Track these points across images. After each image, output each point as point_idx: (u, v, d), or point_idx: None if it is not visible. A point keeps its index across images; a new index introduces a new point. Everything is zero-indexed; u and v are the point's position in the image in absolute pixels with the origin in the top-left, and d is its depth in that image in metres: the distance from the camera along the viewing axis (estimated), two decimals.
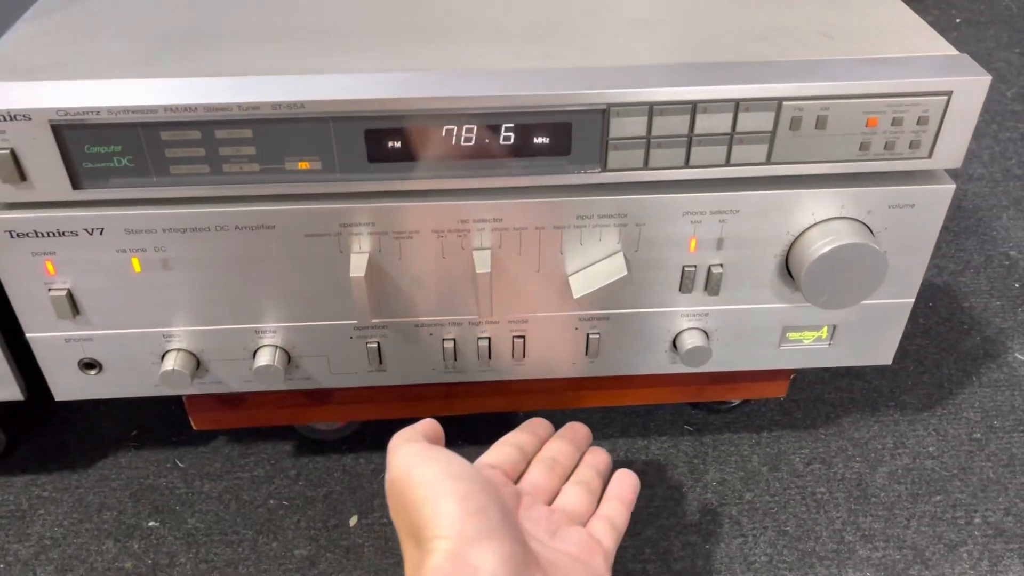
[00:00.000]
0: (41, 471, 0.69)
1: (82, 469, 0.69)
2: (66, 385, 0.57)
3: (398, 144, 0.49)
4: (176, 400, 0.75)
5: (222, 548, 0.64)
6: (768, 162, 0.50)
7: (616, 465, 0.69)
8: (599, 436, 0.72)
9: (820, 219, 0.53)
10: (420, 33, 0.53)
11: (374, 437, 0.72)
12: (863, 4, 0.56)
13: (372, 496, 0.67)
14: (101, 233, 0.50)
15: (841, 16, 0.55)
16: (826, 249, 0.51)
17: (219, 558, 0.63)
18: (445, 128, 0.48)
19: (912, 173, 0.52)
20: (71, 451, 0.71)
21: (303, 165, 0.49)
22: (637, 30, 0.53)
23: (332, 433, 0.71)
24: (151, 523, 0.65)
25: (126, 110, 0.46)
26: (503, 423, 0.73)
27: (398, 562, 0.62)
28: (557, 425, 0.72)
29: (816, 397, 0.75)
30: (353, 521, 0.65)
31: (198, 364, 0.57)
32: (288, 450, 0.71)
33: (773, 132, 0.49)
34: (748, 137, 0.49)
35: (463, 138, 0.49)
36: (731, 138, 0.49)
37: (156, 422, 0.74)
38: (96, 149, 0.48)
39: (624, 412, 0.74)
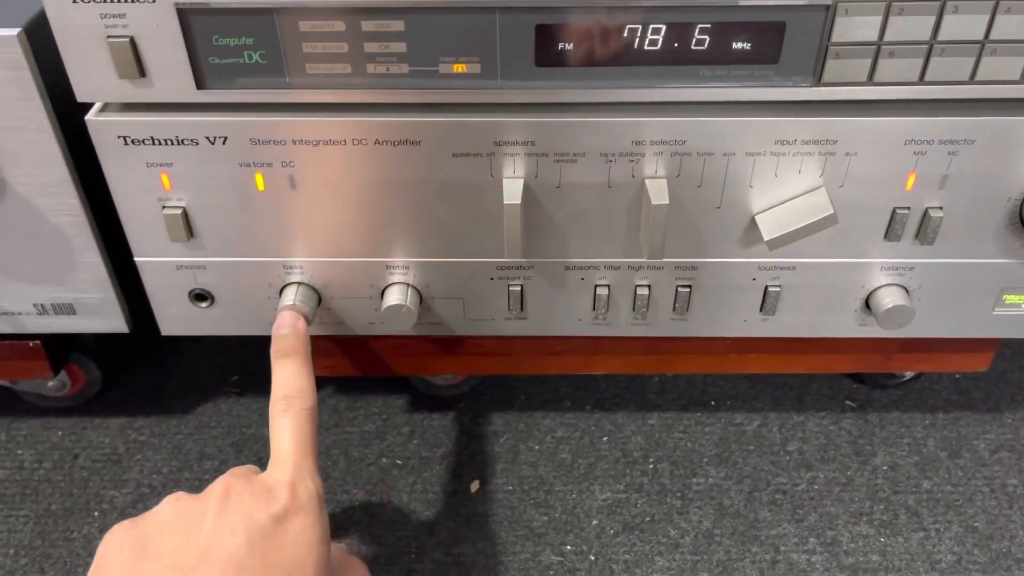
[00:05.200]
0: (138, 414, 0.64)
1: (180, 414, 0.64)
2: (174, 318, 0.52)
3: (571, 45, 0.41)
4: None
5: (331, 509, 0.58)
6: (1023, 80, 0.41)
7: (771, 445, 0.61)
8: (746, 408, 0.64)
9: None
10: None
11: (493, 396, 0.65)
12: None
13: (494, 460, 0.61)
14: (224, 143, 0.44)
15: None
16: None
17: (329, 519, 0.57)
18: (628, 27, 0.41)
19: None
20: (168, 395, 0.66)
21: (459, 68, 0.42)
22: None
23: (449, 388, 0.64)
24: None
25: None
26: (637, 387, 0.66)
27: (526, 535, 0.56)
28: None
29: (998, 376, 0.66)
30: (475, 487, 0.59)
31: (319, 301, 0.51)
32: (401, 405, 0.65)
33: None
34: (1004, 47, 0.40)
35: (648, 40, 0.41)
36: (982, 47, 0.40)
37: (257, 367, 0.68)
38: (225, 41, 0.41)
39: (775, 383, 0.66)
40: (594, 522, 0.56)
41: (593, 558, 0.54)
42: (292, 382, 0.44)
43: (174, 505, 0.39)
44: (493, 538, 0.56)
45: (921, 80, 0.41)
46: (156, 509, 0.40)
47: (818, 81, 0.42)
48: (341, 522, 0.57)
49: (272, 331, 0.47)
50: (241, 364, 0.68)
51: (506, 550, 0.55)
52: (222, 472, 0.59)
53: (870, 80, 0.41)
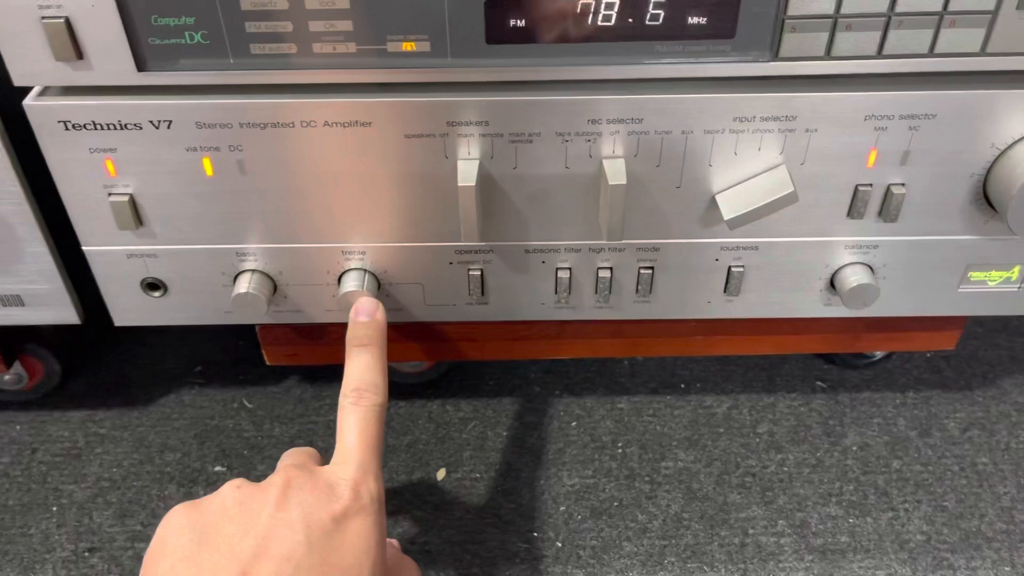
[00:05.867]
0: (99, 406, 0.63)
1: (143, 406, 0.63)
2: (127, 309, 0.50)
3: (523, 21, 0.40)
4: (244, 334, 0.68)
5: None
6: (982, 52, 0.40)
7: (741, 427, 0.61)
8: (716, 390, 0.64)
9: None
10: None
11: (461, 383, 0.65)
12: None
13: (461, 448, 0.60)
14: (169, 127, 0.43)
15: None
16: None
17: None
18: (581, 2, 0.39)
19: None
20: (131, 386, 0.65)
21: (408, 46, 0.41)
22: None
23: (417, 376, 0.64)
24: (217, 468, 0.59)
25: None
26: (607, 372, 0.65)
27: (493, 522, 0.55)
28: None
29: (969, 355, 0.66)
30: (441, 474, 0.58)
31: (275, 288, 0.50)
32: None
33: (996, 11, 0.39)
34: (963, 18, 0.39)
35: (601, 15, 0.40)
36: (940, 19, 0.39)
37: (222, 357, 0.67)
38: (165, 21, 0.40)
39: (746, 364, 0.65)
40: (562, 508, 0.56)
41: (560, 544, 0.54)
42: (365, 375, 0.43)
43: (234, 492, 0.38)
44: (459, 526, 0.55)
45: (880, 54, 0.40)
46: (216, 494, 0.39)
47: (775, 56, 0.41)
48: None
49: (349, 317, 0.46)
50: (206, 353, 0.67)
51: (472, 538, 0.54)
52: (184, 464, 0.59)
53: (828, 54, 0.40)
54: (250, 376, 0.65)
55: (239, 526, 0.37)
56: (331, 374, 0.65)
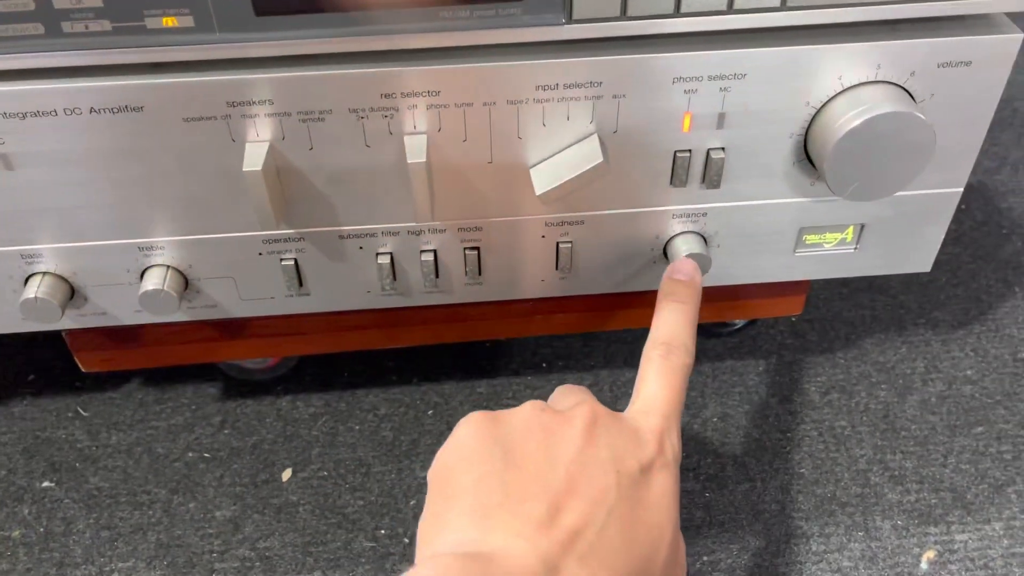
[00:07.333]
0: None
1: None
2: None
3: None
4: None
5: (129, 511, 0.53)
6: (784, 6, 0.38)
7: (601, 403, 0.59)
8: (578, 367, 0.62)
9: (849, 84, 0.41)
10: None
11: (314, 376, 0.61)
12: None
13: (309, 445, 0.57)
14: None
15: None
16: (858, 122, 0.40)
17: (124, 523, 0.53)
18: None
19: (968, 20, 0.41)
20: None
21: (169, 21, 0.37)
22: None
23: (264, 372, 0.60)
24: (45, 483, 0.55)
25: None
26: (467, 355, 0.63)
27: (338, 523, 0.52)
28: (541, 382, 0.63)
29: (833, 316, 0.65)
30: (287, 475, 0.55)
31: (72, 291, 0.46)
32: (212, 393, 0.60)
33: None
34: None
35: None
36: None
37: (57, 364, 0.63)
38: None
39: (607, 339, 0.63)
40: (412, 502, 0.53)
41: (408, 541, 0.51)
42: (679, 333, 0.40)
43: (538, 415, 0.35)
44: (302, 529, 0.52)
45: (677, 12, 0.38)
46: (515, 412, 0.36)
47: (570, 18, 0.38)
48: (138, 525, 0.53)
49: (665, 273, 0.44)
50: (40, 361, 0.63)
51: (315, 540, 0.52)
52: (9, 481, 0.55)
53: (624, 14, 0.38)
54: (87, 383, 0.61)
55: (546, 453, 0.34)
56: (173, 375, 0.61)
